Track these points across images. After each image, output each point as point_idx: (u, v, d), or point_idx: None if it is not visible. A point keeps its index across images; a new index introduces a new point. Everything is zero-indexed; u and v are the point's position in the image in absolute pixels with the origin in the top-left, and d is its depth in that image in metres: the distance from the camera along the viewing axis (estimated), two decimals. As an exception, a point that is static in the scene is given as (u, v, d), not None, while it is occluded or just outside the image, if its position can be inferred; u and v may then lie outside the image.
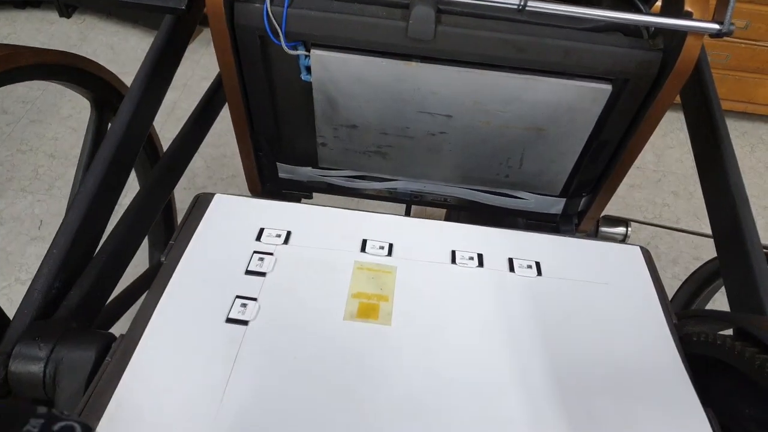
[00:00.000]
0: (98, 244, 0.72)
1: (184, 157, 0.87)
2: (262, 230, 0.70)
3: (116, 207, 0.76)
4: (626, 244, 0.76)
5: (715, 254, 0.80)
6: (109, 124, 1.03)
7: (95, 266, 0.68)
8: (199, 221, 0.71)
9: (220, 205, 0.74)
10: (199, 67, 2.45)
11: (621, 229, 1.56)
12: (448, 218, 1.29)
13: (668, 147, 2.37)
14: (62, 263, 0.65)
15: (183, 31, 0.83)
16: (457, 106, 0.80)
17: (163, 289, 0.63)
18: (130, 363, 0.56)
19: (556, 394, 0.57)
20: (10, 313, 0.66)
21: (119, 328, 0.65)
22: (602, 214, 1.03)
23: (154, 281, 0.64)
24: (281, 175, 0.97)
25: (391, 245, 0.70)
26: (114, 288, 0.72)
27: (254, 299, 0.63)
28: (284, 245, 0.69)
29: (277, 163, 0.94)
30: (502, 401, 0.56)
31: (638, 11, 0.73)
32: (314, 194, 1.03)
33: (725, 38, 0.68)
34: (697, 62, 0.75)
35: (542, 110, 0.79)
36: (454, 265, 0.69)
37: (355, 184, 0.96)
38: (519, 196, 0.95)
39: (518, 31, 0.71)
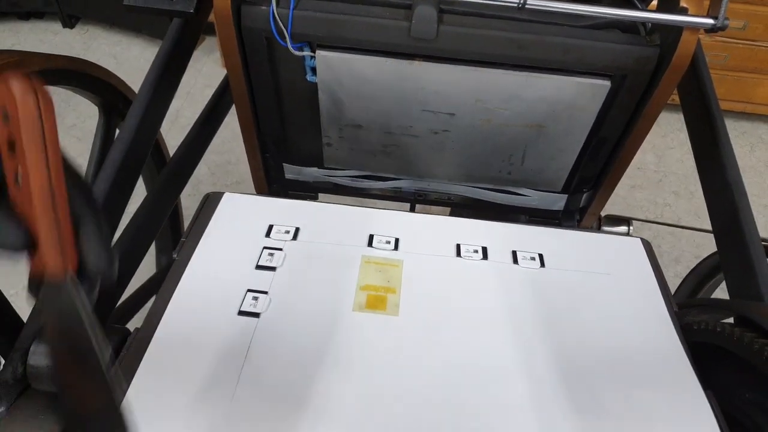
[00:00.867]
0: None
1: (191, 162, 0.89)
2: (271, 227, 0.72)
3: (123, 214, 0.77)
4: (628, 236, 0.77)
5: (715, 250, 0.81)
6: (117, 130, 1.05)
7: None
8: (210, 219, 0.73)
9: (230, 204, 0.76)
10: (201, 76, 2.48)
11: (623, 228, 1.57)
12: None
13: (669, 147, 2.38)
14: None
15: (190, 35, 0.85)
16: (459, 104, 0.82)
17: (176, 285, 0.65)
18: (145, 356, 0.58)
19: (561, 382, 0.59)
20: (24, 315, 0.67)
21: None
22: (604, 213, 1.05)
23: (167, 277, 0.66)
24: (288, 175, 0.98)
25: (397, 240, 0.72)
26: (123, 291, 0.73)
27: (265, 293, 0.64)
28: (293, 241, 0.71)
29: (284, 164, 0.96)
30: (508, 389, 0.58)
31: (635, 8, 0.75)
32: (320, 195, 1.05)
33: (723, 39, 0.70)
34: (694, 58, 0.77)
35: (542, 107, 0.81)
36: (459, 258, 0.71)
37: (360, 184, 0.98)
38: (521, 193, 0.96)
39: (519, 29, 0.73)
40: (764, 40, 2.10)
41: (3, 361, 0.57)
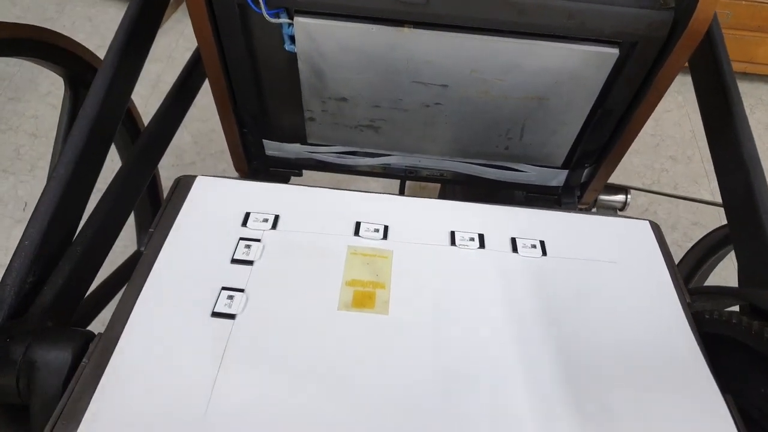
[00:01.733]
0: (76, 231, 0.67)
1: (166, 134, 0.82)
2: (248, 215, 0.66)
3: (95, 192, 0.71)
4: (635, 218, 0.72)
5: (715, 221, 0.76)
6: (86, 102, 0.97)
7: (72, 256, 0.63)
8: (180, 206, 0.66)
9: (203, 188, 0.69)
10: (183, 38, 2.37)
11: (620, 197, 1.52)
12: (442, 192, 1.25)
13: (666, 111, 2.31)
14: (36, 255, 0.61)
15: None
16: (453, 75, 0.75)
17: (143, 283, 0.59)
18: (109, 364, 0.52)
19: (566, 383, 0.54)
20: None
21: (98, 327, 0.61)
22: (603, 183, 0.99)
23: (133, 274, 0.60)
24: (268, 152, 0.92)
25: (386, 227, 0.66)
26: (94, 278, 0.67)
27: (241, 290, 0.58)
28: (272, 230, 0.65)
29: (264, 140, 0.89)
30: (508, 393, 0.53)
31: (647, -33, 0.67)
32: (306, 172, 0.98)
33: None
34: (710, 23, 0.70)
35: (544, 78, 0.74)
36: (453, 247, 0.65)
37: (346, 161, 0.92)
38: (519, 168, 0.90)
39: (518, -7, 0.66)
40: (768, -2, 2.02)
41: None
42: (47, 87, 2.12)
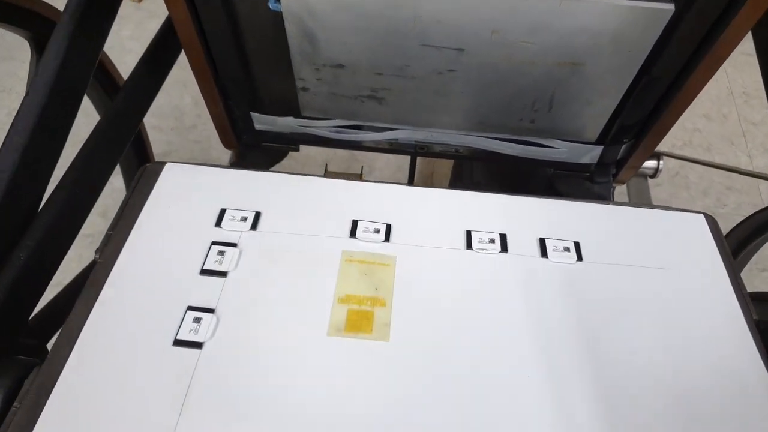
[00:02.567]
0: (31, 219, 0.56)
1: (134, 115, 0.71)
2: (223, 212, 0.55)
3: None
4: (687, 211, 0.60)
5: (752, 187, 0.64)
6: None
7: (27, 248, 0.52)
8: (144, 202, 0.56)
9: (172, 178, 0.58)
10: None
11: (652, 163, 1.39)
12: (457, 171, 1.12)
13: (700, 64, 2.14)
14: None
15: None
16: (469, 37, 0.62)
17: (95, 300, 0.49)
18: (46, 407, 0.43)
19: (604, 420, 0.44)
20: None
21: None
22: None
23: (83, 288, 0.50)
24: (258, 126, 0.80)
25: (388, 227, 0.55)
26: (54, 272, 0.56)
27: (211, 311, 0.48)
28: (251, 231, 0.54)
29: (252, 113, 0.78)
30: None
31: None
32: (304, 147, 0.87)
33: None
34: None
35: (580, 40, 0.61)
36: (470, 251, 0.54)
37: (347, 136, 0.80)
38: (546, 144, 0.78)
39: (552, -66, 0.53)
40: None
41: None
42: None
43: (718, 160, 1.94)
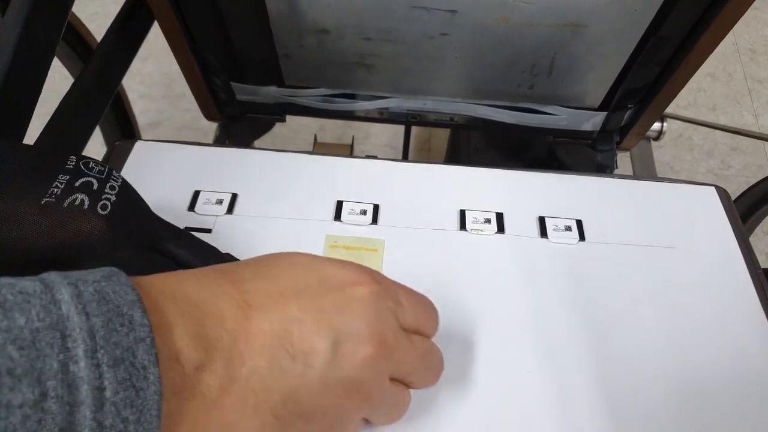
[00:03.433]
0: None
1: (107, 83, 0.66)
2: (197, 194, 0.51)
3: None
4: (695, 183, 0.56)
5: (758, 147, 0.60)
6: None
7: None
8: (113, 184, 0.52)
9: (143, 157, 0.54)
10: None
11: (655, 126, 1.34)
12: (454, 140, 1.08)
13: (706, 20, 2.07)
14: None
15: None
16: (463, -3, 0.57)
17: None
18: None
19: (611, 415, 0.41)
20: None
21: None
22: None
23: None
24: (240, 97, 0.75)
25: (376, 207, 0.51)
26: None
27: (184, 304, 0.45)
28: (227, 215, 0.50)
29: (232, 83, 0.73)
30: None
31: None
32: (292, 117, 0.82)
33: None
34: None
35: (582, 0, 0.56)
36: (464, 232, 0.50)
37: (334, 105, 0.75)
38: (546, 111, 0.74)
39: None
40: None
41: None
42: (95, 7, 1.92)
43: (723, 119, 1.89)
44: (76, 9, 0.62)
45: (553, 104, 0.73)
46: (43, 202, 0.34)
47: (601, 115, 0.74)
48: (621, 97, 0.70)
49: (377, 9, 0.59)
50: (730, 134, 1.81)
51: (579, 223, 0.51)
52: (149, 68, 1.84)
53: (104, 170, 0.38)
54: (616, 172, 1.25)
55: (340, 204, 0.51)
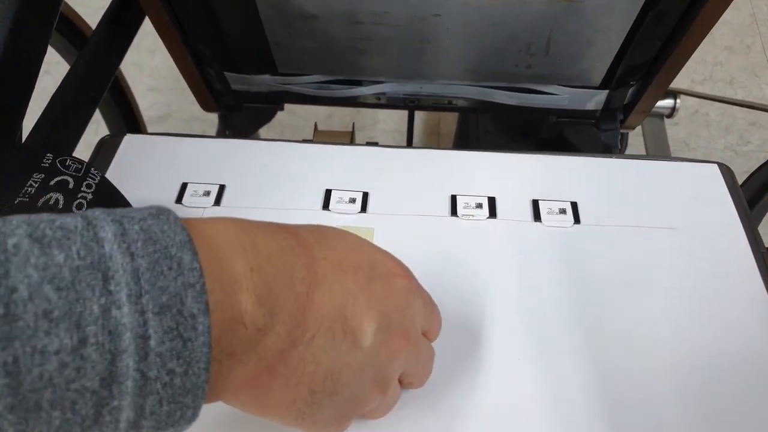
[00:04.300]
0: None
1: (98, 82, 0.65)
2: (185, 186, 0.51)
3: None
4: (697, 161, 0.54)
5: None
6: None
7: None
8: (101, 179, 0.51)
9: (132, 151, 0.54)
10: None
11: (668, 102, 1.31)
12: (463, 124, 1.06)
13: (722, -8, 2.01)
14: None
15: None
16: (452, -24, 0.56)
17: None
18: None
19: (608, 406, 0.39)
20: None
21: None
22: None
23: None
24: (234, 86, 0.75)
25: (365, 195, 0.50)
26: None
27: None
28: (215, 207, 0.49)
29: (226, 73, 0.72)
30: None
31: None
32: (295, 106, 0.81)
33: None
34: None
35: (576, -27, 0.54)
36: (455, 218, 0.49)
37: (329, 92, 0.74)
38: (546, 91, 0.72)
39: None
40: None
41: None
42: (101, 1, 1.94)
43: (741, 94, 1.84)
44: (82, 4, 0.62)
45: (552, 84, 0.71)
46: (16, 202, 0.33)
47: (603, 94, 0.72)
48: (622, 75, 0.68)
49: (366, -8, 0.58)
50: (748, 109, 1.77)
51: (574, 205, 0.50)
52: (157, 61, 1.85)
53: (81, 168, 0.38)
54: (627, 151, 1.23)
55: (328, 193, 0.50)
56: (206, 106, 0.79)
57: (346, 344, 0.28)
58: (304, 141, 0.56)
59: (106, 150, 0.54)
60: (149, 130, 1.16)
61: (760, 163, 0.99)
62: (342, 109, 1.66)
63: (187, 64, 0.70)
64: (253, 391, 0.26)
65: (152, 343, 0.21)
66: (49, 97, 0.57)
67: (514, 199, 0.50)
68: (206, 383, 0.22)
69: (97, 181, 0.38)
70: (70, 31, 0.84)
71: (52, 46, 0.83)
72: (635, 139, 1.45)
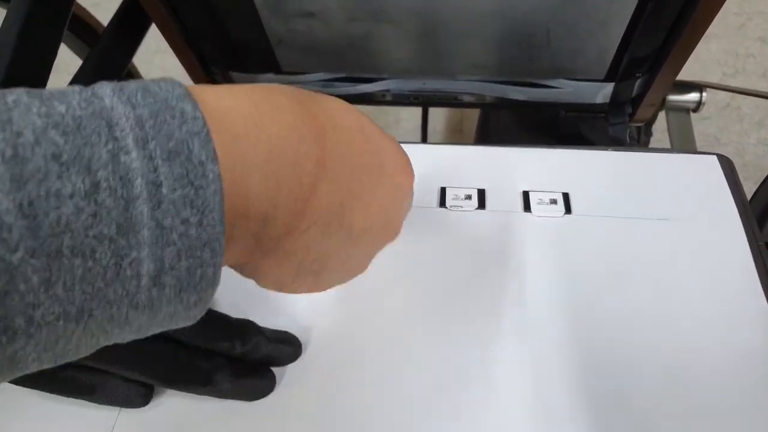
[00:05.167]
0: None
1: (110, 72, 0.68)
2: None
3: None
4: (696, 153, 0.53)
5: None
6: None
7: None
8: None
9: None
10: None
11: (693, 96, 1.27)
12: (484, 118, 1.05)
13: (754, -18, 1.95)
14: None
15: None
16: (446, -31, 0.56)
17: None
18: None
19: (597, 405, 0.39)
20: None
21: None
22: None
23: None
24: (240, 86, 0.76)
25: (354, 188, 0.50)
26: None
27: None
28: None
29: (231, 72, 0.74)
30: None
31: None
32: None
33: None
34: None
35: (570, -38, 0.54)
36: (443, 209, 0.49)
37: (335, 90, 0.75)
38: (550, 84, 0.71)
39: None
40: None
41: None
42: None
43: (774, 85, 1.78)
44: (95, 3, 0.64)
45: (557, 77, 0.70)
46: None
47: (609, 86, 0.70)
48: (627, 66, 0.66)
49: (360, -12, 0.58)
50: (783, 102, 1.71)
51: (566, 196, 0.49)
52: (168, 63, 1.89)
53: None
54: (651, 145, 1.20)
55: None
56: (215, 106, 0.81)
57: (339, 236, 0.29)
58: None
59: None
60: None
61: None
62: (365, 107, 1.67)
63: (193, 64, 0.71)
64: (243, 265, 0.28)
65: (164, 190, 0.20)
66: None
67: (505, 190, 0.50)
68: (222, 235, 0.22)
69: None
70: (86, 32, 0.86)
71: (69, 47, 0.86)
72: (662, 134, 1.42)
